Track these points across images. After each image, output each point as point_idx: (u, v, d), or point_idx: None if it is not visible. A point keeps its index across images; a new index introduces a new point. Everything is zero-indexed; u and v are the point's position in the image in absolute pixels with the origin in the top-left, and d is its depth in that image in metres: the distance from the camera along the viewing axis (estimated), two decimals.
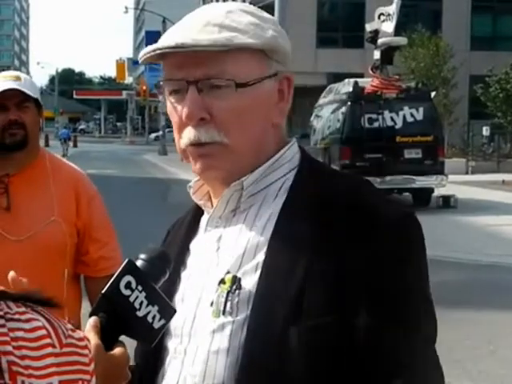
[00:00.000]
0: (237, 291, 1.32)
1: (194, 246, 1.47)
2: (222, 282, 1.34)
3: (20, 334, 1.04)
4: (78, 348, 1.10)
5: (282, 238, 1.32)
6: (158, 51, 1.34)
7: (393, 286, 1.28)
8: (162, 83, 1.39)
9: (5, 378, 1.00)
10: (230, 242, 1.38)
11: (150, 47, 1.35)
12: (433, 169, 17.27)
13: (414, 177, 17.05)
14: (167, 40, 1.34)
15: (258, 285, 1.30)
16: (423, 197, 17.76)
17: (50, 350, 1.06)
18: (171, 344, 1.41)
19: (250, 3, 1.58)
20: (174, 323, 1.36)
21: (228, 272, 1.35)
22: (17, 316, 1.05)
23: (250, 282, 1.32)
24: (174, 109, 1.37)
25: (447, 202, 17.56)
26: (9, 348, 1.02)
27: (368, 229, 1.29)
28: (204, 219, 1.47)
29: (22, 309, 1.07)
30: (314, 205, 1.33)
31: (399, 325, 1.27)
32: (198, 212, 1.50)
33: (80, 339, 1.12)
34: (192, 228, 1.50)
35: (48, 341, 1.06)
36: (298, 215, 1.33)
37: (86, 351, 1.12)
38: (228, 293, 1.33)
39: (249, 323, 1.29)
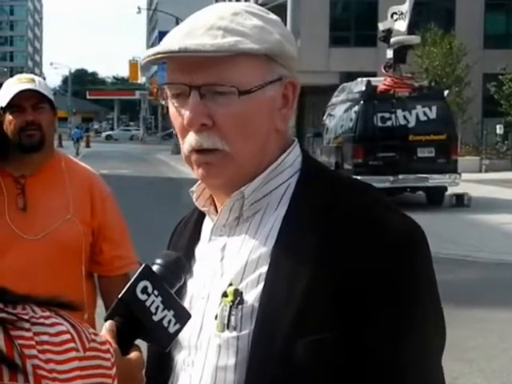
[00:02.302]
0: (239, 306, 1.31)
1: (199, 253, 1.45)
2: (225, 294, 1.33)
3: (45, 338, 1.05)
4: (100, 352, 1.12)
5: (285, 249, 1.30)
6: (160, 55, 1.30)
7: (400, 300, 1.26)
8: (164, 86, 1.35)
9: (30, 381, 1.02)
10: (234, 253, 1.36)
11: (152, 50, 1.31)
12: (446, 167, 17.22)
13: (427, 175, 17.01)
14: (171, 43, 1.30)
15: (261, 299, 1.29)
16: (436, 195, 17.72)
17: (74, 354, 1.07)
18: (180, 355, 1.40)
19: (261, 4, 1.57)
20: (182, 333, 1.34)
21: (230, 284, 1.33)
22: (42, 320, 1.07)
23: (252, 296, 1.30)
24: (177, 113, 1.34)
25: (461, 201, 17.48)
26: (34, 352, 1.03)
27: (373, 241, 1.26)
28: (207, 225, 1.45)
29: (47, 313, 1.08)
30: (316, 214, 1.30)
31: (407, 340, 1.25)
32: (201, 215, 1.48)
33: (102, 343, 1.13)
34: (195, 232, 1.48)
35: (72, 345, 1.07)
36: (301, 225, 1.30)
37: (108, 355, 1.13)
38: (231, 307, 1.31)
39: (253, 340, 1.28)
